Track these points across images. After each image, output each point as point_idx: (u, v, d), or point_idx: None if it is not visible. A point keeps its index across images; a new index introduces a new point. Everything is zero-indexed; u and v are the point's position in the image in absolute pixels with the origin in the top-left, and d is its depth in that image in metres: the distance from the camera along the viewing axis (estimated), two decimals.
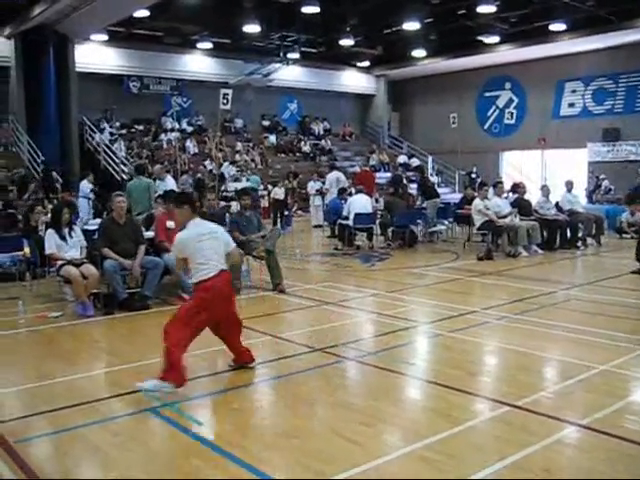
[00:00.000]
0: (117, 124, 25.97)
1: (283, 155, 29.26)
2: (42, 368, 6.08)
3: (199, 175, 21.53)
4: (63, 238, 8.68)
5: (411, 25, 22.87)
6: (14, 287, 10.26)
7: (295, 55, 28.00)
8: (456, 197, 19.66)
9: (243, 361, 5.83)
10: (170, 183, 11.77)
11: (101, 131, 24.43)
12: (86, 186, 17.53)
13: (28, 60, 22.26)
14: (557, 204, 14.43)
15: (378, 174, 25.14)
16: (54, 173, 19.69)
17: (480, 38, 25.15)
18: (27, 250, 10.77)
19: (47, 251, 8.67)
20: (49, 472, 3.92)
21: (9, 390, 5.57)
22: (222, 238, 5.73)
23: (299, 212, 23.82)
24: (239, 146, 27.50)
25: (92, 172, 18.92)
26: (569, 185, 14.73)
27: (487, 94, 30.22)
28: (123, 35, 24.19)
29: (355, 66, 32.00)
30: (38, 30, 21.40)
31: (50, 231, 8.77)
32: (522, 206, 13.57)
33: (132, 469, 3.98)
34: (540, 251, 13.06)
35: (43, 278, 10.17)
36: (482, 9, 21.16)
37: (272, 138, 29.88)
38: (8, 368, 6.34)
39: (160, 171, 12.29)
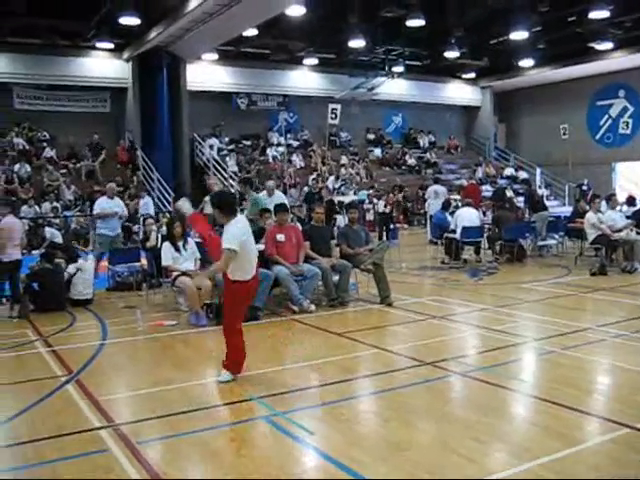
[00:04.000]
0: (226, 140, 26.78)
1: (388, 168, 29.28)
2: (159, 374, 6.35)
3: (307, 189, 21.84)
4: (178, 250, 9.05)
5: (518, 35, 22.36)
6: (132, 296, 10.76)
7: (400, 68, 28.02)
8: (566, 210, 19.05)
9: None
10: (280, 197, 11.98)
11: (211, 147, 25.24)
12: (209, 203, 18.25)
13: (144, 81, 23.43)
14: None
15: (484, 187, 24.74)
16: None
17: (592, 45, 24.34)
18: (144, 261, 11.30)
19: (163, 263, 9.06)
20: (170, 474, 4.09)
21: (130, 394, 5.87)
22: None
23: (404, 226, 23.74)
24: (344, 160, 27.74)
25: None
26: None
27: (599, 103, 29.17)
28: (232, 54, 24.98)
29: (460, 78, 31.67)
30: (153, 52, 22.50)
31: (166, 244, 9.17)
32: None
33: (247, 474, 4.09)
34: None
35: (159, 288, 10.61)
36: (595, 15, 20.41)
37: (377, 151, 29.98)
38: (128, 373, 6.69)
39: (272, 187, 12.58)
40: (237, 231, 5.77)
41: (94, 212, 12.51)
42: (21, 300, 9.37)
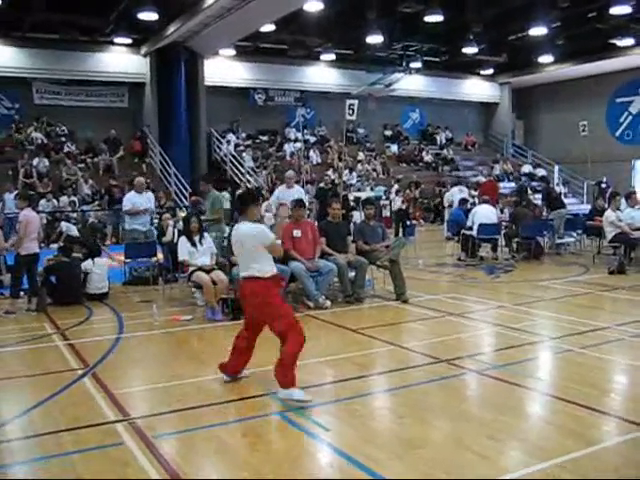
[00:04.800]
0: (243, 135, 26.82)
1: (405, 165, 29.21)
2: (174, 368, 6.37)
3: (321, 185, 21.82)
4: (194, 245, 9.07)
5: (538, 30, 22.23)
6: (148, 291, 10.82)
7: (417, 64, 27.92)
8: (584, 208, 18.92)
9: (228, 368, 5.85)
10: (298, 192, 11.92)
11: (228, 142, 25.29)
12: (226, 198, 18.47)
13: (161, 76, 23.53)
14: None
15: (502, 184, 24.60)
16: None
17: (613, 41, 24.12)
18: (160, 256, 11.35)
19: (180, 258, 9.09)
20: (184, 468, 4.10)
21: (146, 388, 5.91)
22: (249, 243, 5.62)
23: (421, 222, 23.68)
24: (361, 156, 27.70)
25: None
26: None
27: (619, 100, 28.90)
28: (250, 49, 25.01)
29: (478, 74, 31.49)
30: (171, 48, 22.60)
31: (182, 239, 9.20)
32: None
33: (261, 470, 4.09)
34: None
35: (175, 283, 10.65)
36: (615, 10, 20.18)
37: (394, 147, 29.91)
38: (144, 367, 6.73)
39: (291, 178, 12.39)
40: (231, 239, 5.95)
41: (124, 207, 12.07)
42: (39, 293, 9.45)
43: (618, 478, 3.92)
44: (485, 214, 13.74)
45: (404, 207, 20.50)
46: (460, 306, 9.28)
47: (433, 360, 6.44)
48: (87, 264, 10.02)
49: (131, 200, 11.97)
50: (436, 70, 29.80)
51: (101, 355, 6.83)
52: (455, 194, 18.56)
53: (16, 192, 13.81)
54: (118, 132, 23.63)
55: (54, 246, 13.30)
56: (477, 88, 32.34)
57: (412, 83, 29.43)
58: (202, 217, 10.05)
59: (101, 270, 10.18)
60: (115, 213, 18.30)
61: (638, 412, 4.98)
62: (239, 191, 6.41)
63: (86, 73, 23.43)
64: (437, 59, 28.50)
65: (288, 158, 26.31)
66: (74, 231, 15.68)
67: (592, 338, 7.21)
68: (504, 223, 14.51)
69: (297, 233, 9.24)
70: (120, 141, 23.53)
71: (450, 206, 18.49)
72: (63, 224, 16.49)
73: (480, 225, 13.42)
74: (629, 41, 24.03)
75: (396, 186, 23.56)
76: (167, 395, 5.54)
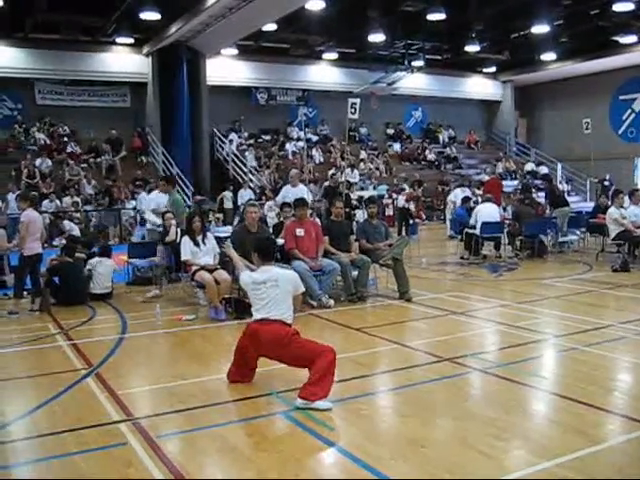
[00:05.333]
0: (245, 134, 26.81)
1: (407, 163, 29.19)
2: (177, 368, 6.36)
3: (327, 183, 21.81)
4: (197, 245, 9.06)
5: (540, 28, 22.17)
6: (151, 290, 10.78)
7: (420, 63, 27.88)
8: (587, 206, 18.86)
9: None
10: (302, 191, 11.90)
11: (230, 142, 25.29)
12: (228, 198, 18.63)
13: (163, 75, 23.55)
14: None
15: (505, 182, 24.54)
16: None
17: (615, 38, 24.08)
18: (158, 258, 11.32)
19: (183, 257, 9.08)
20: (188, 468, 4.09)
21: (149, 388, 5.90)
22: (284, 286, 5.59)
23: (423, 217, 23.62)
24: (363, 154, 27.68)
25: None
26: None
27: (622, 97, 28.83)
28: (252, 48, 25.01)
29: (481, 72, 31.49)
30: (173, 47, 22.62)
31: (185, 238, 9.19)
32: None
33: (265, 469, 4.08)
34: None
35: (178, 282, 10.64)
36: (618, 7, 20.15)
37: (396, 146, 29.88)
38: (147, 367, 6.71)
39: (295, 177, 12.37)
40: (246, 278, 5.75)
41: (149, 207, 11.93)
42: (42, 294, 9.45)
43: (623, 477, 3.90)
44: (488, 212, 13.70)
45: (407, 206, 20.44)
46: (463, 304, 9.27)
47: (437, 359, 6.42)
48: (93, 262, 10.03)
49: (155, 200, 11.88)
50: (438, 68, 29.77)
51: (104, 355, 6.83)
52: (458, 196, 18.56)
53: (17, 193, 13.82)
54: (120, 132, 23.64)
55: (57, 241, 13.29)
56: (479, 86, 32.31)
57: (414, 81, 29.40)
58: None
59: (106, 270, 10.19)
60: (116, 213, 18.32)
61: None
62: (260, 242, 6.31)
63: (88, 73, 23.45)
64: (439, 57, 28.46)
65: (291, 157, 26.29)
66: (76, 231, 15.69)
67: (596, 336, 7.19)
68: (507, 221, 14.48)
69: (300, 232, 9.23)
70: (122, 141, 23.54)
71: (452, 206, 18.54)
72: (66, 223, 16.51)
73: (483, 223, 13.39)
74: (632, 38, 23.98)
75: (405, 185, 23.20)
76: (170, 395, 5.53)
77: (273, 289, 5.51)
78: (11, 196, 17.64)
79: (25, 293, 9.63)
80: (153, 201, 11.93)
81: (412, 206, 21.05)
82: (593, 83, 28.70)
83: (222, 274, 8.70)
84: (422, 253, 14.47)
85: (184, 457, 4.28)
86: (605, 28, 23.24)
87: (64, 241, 11.60)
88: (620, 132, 29.03)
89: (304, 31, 23.21)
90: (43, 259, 9.72)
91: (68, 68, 23.00)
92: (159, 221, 11.30)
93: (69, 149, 22.62)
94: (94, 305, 9.68)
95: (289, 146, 26.89)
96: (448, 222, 19.77)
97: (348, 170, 24.78)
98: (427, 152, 29.95)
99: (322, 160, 26.79)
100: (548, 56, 27.26)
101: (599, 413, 4.92)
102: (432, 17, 20.48)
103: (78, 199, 19.55)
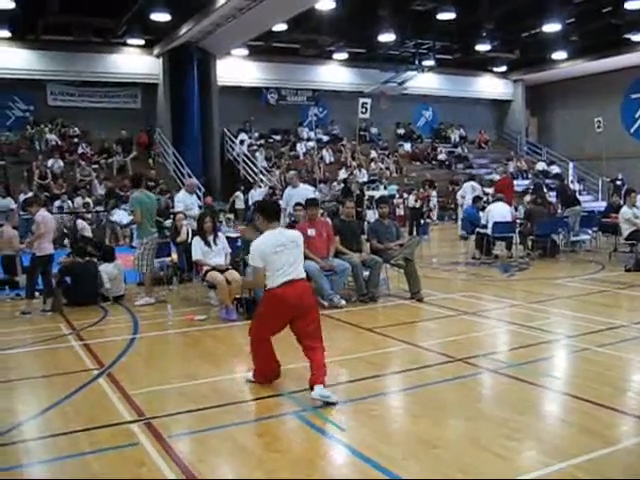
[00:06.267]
0: (255, 135, 26.84)
1: (418, 163, 29.13)
2: (189, 368, 6.37)
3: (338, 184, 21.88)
4: (208, 245, 9.07)
5: (551, 27, 22.08)
6: (162, 291, 10.83)
7: (430, 62, 27.82)
8: (599, 205, 18.76)
9: (311, 381, 5.27)
10: (306, 190, 11.87)
11: (241, 142, 25.32)
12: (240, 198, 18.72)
13: (174, 76, 23.59)
14: None
15: (516, 182, 24.45)
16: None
17: (627, 36, 23.91)
18: (175, 256, 11.36)
19: (194, 257, 9.09)
20: (199, 468, 4.10)
21: (161, 387, 5.89)
22: (302, 245, 5.68)
23: (434, 218, 23.59)
24: (374, 154, 27.65)
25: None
26: None
27: (634, 95, 28.63)
28: (262, 49, 25.02)
29: (491, 71, 31.37)
30: (183, 48, 22.66)
31: (196, 238, 9.20)
32: None
33: (277, 470, 4.08)
34: None
35: (189, 282, 10.66)
36: (630, 5, 20.01)
37: (407, 146, 29.83)
38: (159, 367, 6.71)
39: (293, 178, 12.36)
40: (262, 246, 5.47)
41: (176, 208, 11.82)
42: (54, 294, 9.49)
43: (637, 479, 3.87)
44: (500, 212, 13.64)
45: (418, 205, 20.41)
46: (475, 305, 9.24)
47: (448, 359, 6.40)
48: (106, 269, 10.00)
49: (184, 201, 11.81)
50: (449, 68, 29.70)
51: (116, 355, 6.85)
52: (468, 191, 18.33)
53: (24, 198, 13.87)
54: (131, 133, 23.74)
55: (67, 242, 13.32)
56: (490, 85, 32.20)
57: (425, 81, 29.33)
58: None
59: (119, 272, 10.20)
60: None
61: None
62: (262, 202, 6.34)
63: (99, 74, 23.55)
64: (450, 57, 28.37)
65: (301, 157, 26.30)
66: (88, 231, 15.74)
67: (609, 336, 7.14)
68: (518, 221, 14.42)
69: (311, 232, 9.21)
70: (132, 141, 23.66)
71: (462, 202, 18.34)
72: (79, 222, 16.57)
73: (495, 223, 13.33)
74: None
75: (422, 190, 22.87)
76: (182, 395, 5.54)
77: (297, 249, 5.54)
78: (23, 197, 17.71)
79: (37, 294, 9.68)
80: (182, 202, 11.88)
81: (419, 205, 20.97)
82: (604, 82, 28.52)
83: (233, 274, 8.70)
84: (433, 253, 14.43)
85: (195, 457, 4.29)
86: (617, 26, 23.08)
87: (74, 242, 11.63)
88: (632, 131, 28.83)
89: (314, 31, 23.18)
90: (55, 259, 9.75)
91: (79, 69, 23.10)
92: (125, 221, 11.18)
93: (80, 150, 22.73)
94: (106, 305, 9.71)
95: (299, 146, 26.90)
96: (460, 222, 19.68)
97: (364, 172, 24.89)
98: (438, 152, 29.88)
99: (332, 160, 26.78)
100: (559, 55, 27.14)
101: (612, 414, 4.88)
102: (442, 16, 20.46)
103: (89, 200, 19.62)
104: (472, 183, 19.03)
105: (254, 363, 5.73)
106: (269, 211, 5.71)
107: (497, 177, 21.43)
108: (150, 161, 23.29)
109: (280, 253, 5.41)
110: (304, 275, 5.59)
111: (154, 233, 10.04)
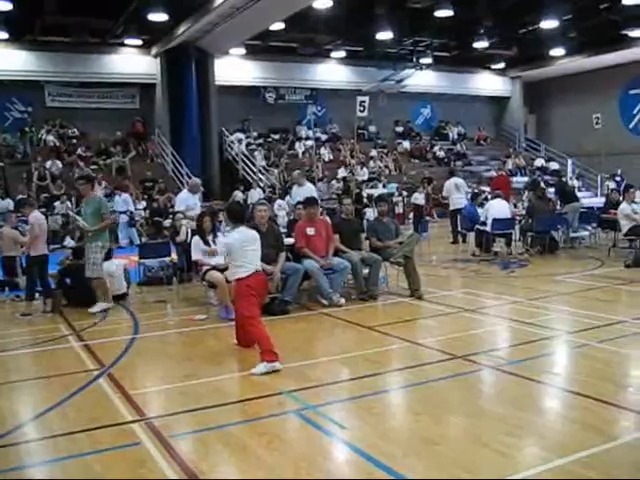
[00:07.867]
0: (254, 134, 26.83)
1: (417, 161, 29.11)
2: (189, 368, 6.36)
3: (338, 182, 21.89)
4: (207, 244, 9.07)
5: (549, 23, 22.09)
6: (162, 291, 10.82)
7: (428, 60, 27.82)
8: (598, 202, 18.72)
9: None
10: (309, 189, 11.88)
11: (239, 141, 25.31)
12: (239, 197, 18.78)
13: (172, 76, 23.58)
14: None
15: (514, 178, 24.47)
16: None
17: (625, 32, 23.89)
18: (174, 256, 11.36)
19: (193, 257, 9.10)
20: (201, 467, 4.10)
21: (161, 387, 5.90)
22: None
23: (434, 215, 23.57)
24: (373, 152, 27.64)
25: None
26: None
27: (632, 92, 28.60)
28: (260, 48, 25.01)
29: (489, 68, 31.37)
30: (181, 48, 22.65)
31: (196, 238, 9.21)
32: None
33: (278, 468, 4.08)
34: None
35: (189, 282, 10.65)
36: (628, 1, 20.00)
37: (405, 144, 29.79)
38: (159, 367, 6.71)
39: (298, 177, 12.36)
40: (230, 240, 6.51)
41: (177, 208, 11.70)
42: (54, 295, 9.49)
43: (638, 474, 3.88)
44: (499, 209, 13.63)
45: (422, 203, 20.41)
46: (475, 302, 9.23)
47: (449, 356, 6.40)
48: (107, 266, 9.99)
49: (186, 202, 11.66)
50: (447, 65, 29.68)
51: (117, 356, 6.85)
52: (451, 190, 16.82)
53: (17, 199, 13.83)
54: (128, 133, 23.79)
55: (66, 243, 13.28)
56: (488, 82, 32.20)
57: (423, 79, 29.29)
58: (80, 224, 9.33)
59: (119, 271, 10.19)
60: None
61: None
62: (230, 205, 7.21)
63: (97, 75, 23.54)
64: (447, 54, 28.36)
65: (300, 156, 26.29)
66: None
67: (609, 332, 7.14)
68: (518, 217, 14.41)
69: (311, 231, 9.20)
70: (128, 141, 23.69)
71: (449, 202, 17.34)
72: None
73: (494, 220, 13.33)
74: None
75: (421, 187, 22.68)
76: (182, 395, 5.53)
77: (257, 245, 6.52)
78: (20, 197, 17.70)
79: (37, 295, 9.67)
80: (184, 202, 11.72)
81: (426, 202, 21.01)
82: (603, 78, 28.49)
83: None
84: (433, 250, 14.43)
85: (197, 456, 4.29)
86: (615, 22, 23.06)
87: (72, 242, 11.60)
88: (631, 127, 28.82)
89: (312, 30, 23.17)
90: (55, 260, 9.75)
91: (77, 70, 23.09)
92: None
93: (79, 151, 22.70)
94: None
95: (298, 145, 26.89)
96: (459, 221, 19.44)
97: (365, 170, 24.90)
98: (436, 149, 29.87)
99: (331, 158, 26.77)
100: (557, 51, 27.14)
101: (613, 409, 4.88)
102: (440, 14, 20.48)
103: None
104: (455, 180, 17.12)
105: (261, 344, 6.05)
106: (235, 215, 6.70)
107: (495, 174, 21.46)
108: (148, 161, 23.29)
109: (245, 249, 6.37)
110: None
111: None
